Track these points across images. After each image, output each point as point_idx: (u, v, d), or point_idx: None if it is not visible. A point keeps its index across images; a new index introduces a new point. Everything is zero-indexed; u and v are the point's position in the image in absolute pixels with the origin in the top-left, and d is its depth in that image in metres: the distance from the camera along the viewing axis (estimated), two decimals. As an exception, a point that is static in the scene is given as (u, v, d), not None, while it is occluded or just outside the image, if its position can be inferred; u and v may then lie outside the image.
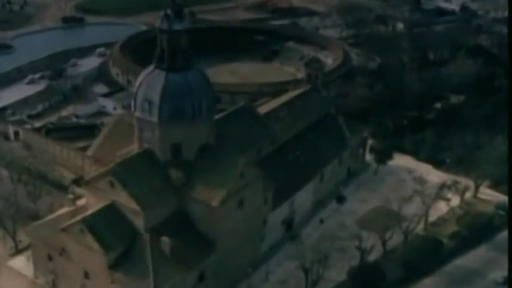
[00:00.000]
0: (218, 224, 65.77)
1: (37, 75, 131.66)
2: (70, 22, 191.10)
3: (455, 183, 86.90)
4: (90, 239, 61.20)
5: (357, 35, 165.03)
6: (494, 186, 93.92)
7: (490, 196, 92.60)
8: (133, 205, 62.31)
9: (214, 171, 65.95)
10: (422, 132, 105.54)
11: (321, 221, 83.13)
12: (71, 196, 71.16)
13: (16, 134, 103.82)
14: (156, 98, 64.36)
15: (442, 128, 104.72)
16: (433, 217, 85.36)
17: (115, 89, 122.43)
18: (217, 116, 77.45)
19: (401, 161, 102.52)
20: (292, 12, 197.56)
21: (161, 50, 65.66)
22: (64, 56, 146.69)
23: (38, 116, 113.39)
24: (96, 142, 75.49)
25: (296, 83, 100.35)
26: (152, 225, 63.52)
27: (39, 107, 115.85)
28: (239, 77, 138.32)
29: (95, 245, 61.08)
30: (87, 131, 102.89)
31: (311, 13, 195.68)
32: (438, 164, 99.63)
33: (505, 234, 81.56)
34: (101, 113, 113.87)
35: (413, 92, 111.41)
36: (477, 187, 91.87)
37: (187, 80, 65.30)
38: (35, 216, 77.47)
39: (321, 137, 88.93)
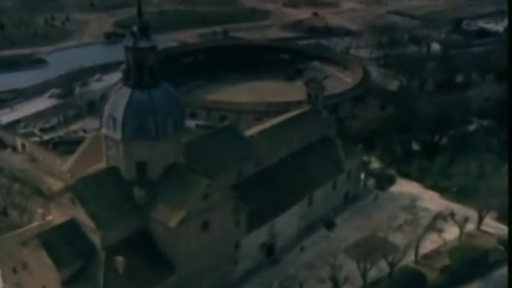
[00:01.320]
0: (178, 245, 64.23)
1: (59, 90, 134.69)
2: (112, 37, 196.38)
3: (452, 213, 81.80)
4: (44, 255, 60.87)
5: (387, 55, 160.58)
6: (502, 218, 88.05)
7: (496, 229, 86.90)
8: (90, 222, 61.67)
9: (176, 191, 64.57)
10: (432, 158, 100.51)
11: (302, 249, 79.80)
12: (40, 210, 71.22)
13: (23, 146, 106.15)
14: (119, 115, 63.76)
15: (452, 154, 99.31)
16: (427, 249, 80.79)
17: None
18: (198, 135, 76.79)
19: (407, 187, 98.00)
20: (328, 31, 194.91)
21: (128, 67, 65.07)
22: (92, 71, 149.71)
23: (51, 129, 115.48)
24: (73, 157, 75.68)
25: (298, 103, 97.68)
26: (110, 243, 62.60)
27: (53, 121, 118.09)
28: (258, 96, 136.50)
29: (49, 261, 60.65)
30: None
31: (347, 33, 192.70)
32: (444, 192, 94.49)
33: (502, 271, 75.97)
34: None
35: (428, 116, 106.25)
36: (480, 218, 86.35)
37: (152, 98, 64.28)
38: (19, 228, 78.06)
39: (314, 160, 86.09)
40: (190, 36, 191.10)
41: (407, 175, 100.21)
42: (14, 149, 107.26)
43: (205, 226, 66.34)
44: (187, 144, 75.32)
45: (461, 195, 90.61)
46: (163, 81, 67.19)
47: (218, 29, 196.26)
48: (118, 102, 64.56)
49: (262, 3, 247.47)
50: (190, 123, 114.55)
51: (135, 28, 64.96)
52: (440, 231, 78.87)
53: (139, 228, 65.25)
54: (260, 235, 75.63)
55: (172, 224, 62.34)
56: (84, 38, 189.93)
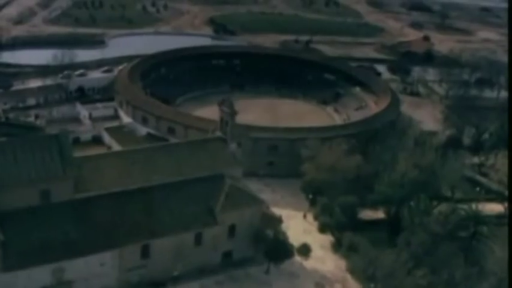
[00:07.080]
0: None
1: (77, 72, 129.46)
2: (220, 33, 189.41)
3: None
4: None
5: (461, 96, 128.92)
6: None
7: None
8: None
9: None
10: (390, 234, 74.12)
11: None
12: None
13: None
14: None
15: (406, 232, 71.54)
16: None
17: (105, 97, 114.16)
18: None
19: (329, 265, 73.77)
20: (426, 58, 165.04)
21: None
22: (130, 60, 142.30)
23: (24, 109, 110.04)
24: None
25: (216, 126, 78.27)
26: None
27: (31, 101, 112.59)
28: (273, 116, 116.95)
29: None
30: (24, 130, 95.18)
31: (449, 63, 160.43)
32: (368, 284, 67.96)
33: None
34: (71, 119, 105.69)
35: (406, 177, 78.25)
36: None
37: None
38: None
39: (175, 200, 66.86)
40: (271, 41, 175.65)
41: (339, 248, 75.40)
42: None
43: None
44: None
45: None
46: None
47: (306, 38, 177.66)
48: None
49: (386, 19, 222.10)
50: (142, 130, 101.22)
51: None
52: None
53: None
54: (35, 277, 59.24)
55: None
56: (166, 28, 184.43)
